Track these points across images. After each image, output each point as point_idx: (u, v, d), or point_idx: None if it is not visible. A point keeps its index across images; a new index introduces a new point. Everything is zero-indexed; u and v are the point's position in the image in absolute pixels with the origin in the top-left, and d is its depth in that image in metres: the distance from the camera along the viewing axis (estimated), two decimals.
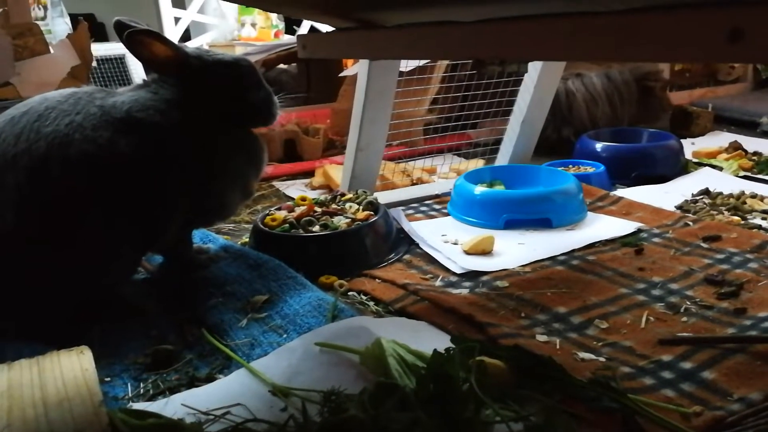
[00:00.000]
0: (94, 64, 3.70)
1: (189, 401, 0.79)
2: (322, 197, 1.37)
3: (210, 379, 0.87)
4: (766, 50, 0.44)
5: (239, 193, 1.13)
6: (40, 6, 3.45)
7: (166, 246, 1.12)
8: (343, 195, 1.35)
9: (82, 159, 0.93)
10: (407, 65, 1.74)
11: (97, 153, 0.94)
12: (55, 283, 0.95)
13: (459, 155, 1.99)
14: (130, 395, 0.84)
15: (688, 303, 1.00)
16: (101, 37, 5.56)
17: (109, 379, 0.87)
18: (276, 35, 4.86)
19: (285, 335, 0.94)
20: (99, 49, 3.62)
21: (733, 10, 0.46)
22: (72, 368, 0.81)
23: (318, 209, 1.28)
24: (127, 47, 1.01)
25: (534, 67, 1.58)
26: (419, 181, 1.75)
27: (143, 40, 1.01)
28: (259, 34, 4.77)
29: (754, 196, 1.49)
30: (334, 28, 1.11)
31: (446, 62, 1.98)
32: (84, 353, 0.85)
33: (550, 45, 0.66)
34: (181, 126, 1.02)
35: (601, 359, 0.86)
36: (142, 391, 0.85)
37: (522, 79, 1.65)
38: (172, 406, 0.79)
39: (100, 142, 0.94)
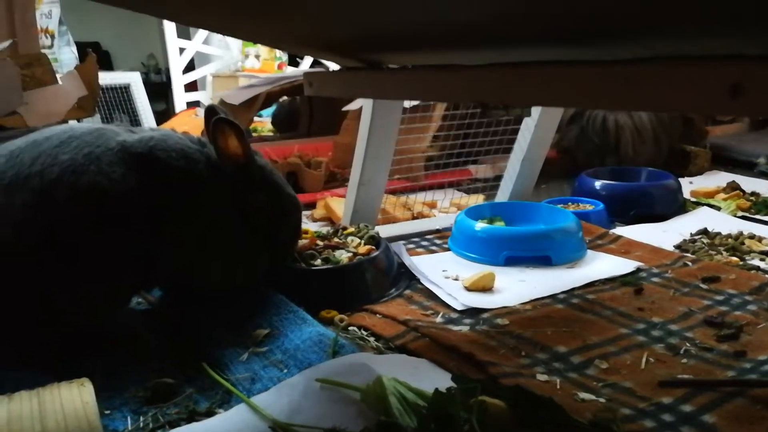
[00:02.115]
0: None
1: None
2: (324, 230, 1.38)
3: (210, 413, 0.87)
4: (765, 105, 0.45)
5: (217, 282, 1.12)
6: (48, 35, 3.50)
7: (165, 280, 1.12)
8: (345, 229, 1.36)
9: (90, 190, 0.94)
10: (411, 102, 1.76)
11: (107, 186, 0.95)
12: (47, 310, 0.95)
13: (460, 190, 2.00)
14: (129, 429, 0.84)
15: (688, 344, 1.01)
16: (106, 65, 5.63)
17: (108, 412, 0.87)
18: (279, 67, 4.91)
19: (286, 370, 0.94)
20: (105, 78, 3.67)
21: (734, 64, 0.47)
22: (72, 401, 0.81)
23: (320, 242, 1.29)
24: (211, 131, 1.06)
25: (535, 107, 1.61)
26: (420, 215, 1.76)
27: (225, 130, 1.05)
28: (262, 65, 4.82)
29: (752, 237, 1.50)
30: (339, 67, 1.13)
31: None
32: (85, 386, 0.85)
33: (555, 91, 0.67)
34: (202, 186, 1.04)
35: (601, 400, 0.86)
36: (141, 425, 0.85)
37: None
38: None
39: (112, 177, 0.96)
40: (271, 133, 3.38)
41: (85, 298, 0.98)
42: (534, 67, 0.69)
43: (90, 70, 1.70)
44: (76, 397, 0.82)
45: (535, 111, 1.60)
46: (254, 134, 3.37)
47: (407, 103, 1.72)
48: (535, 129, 1.62)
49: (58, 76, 1.67)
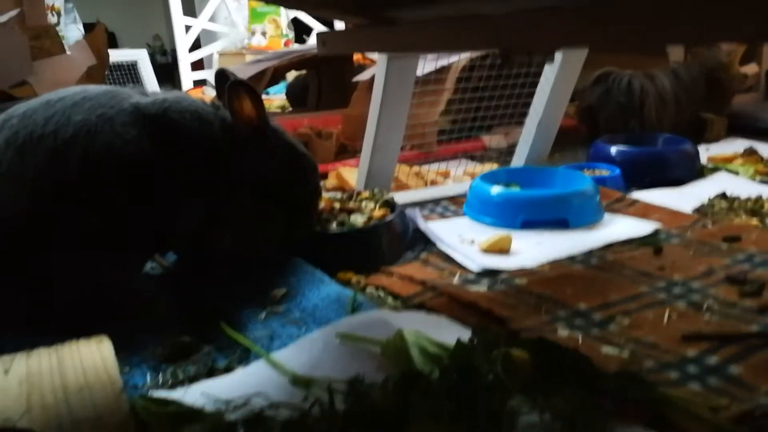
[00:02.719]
0: (106, 71, 3.74)
1: (209, 390, 0.78)
2: (339, 196, 1.36)
3: (229, 370, 0.86)
4: None
5: (234, 244, 1.11)
6: (54, 12, 3.48)
7: (180, 245, 1.11)
8: (359, 194, 1.35)
9: (104, 151, 0.93)
10: (423, 68, 1.74)
11: (120, 148, 0.94)
12: (61, 273, 0.95)
13: (473, 159, 1.99)
14: (149, 384, 0.83)
15: (711, 301, 0.99)
16: (112, 46, 5.60)
17: (127, 369, 0.86)
18: (286, 44, 4.88)
19: (305, 328, 0.93)
20: (111, 56, 3.65)
21: None
22: (92, 356, 0.80)
23: (335, 205, 1.28)
24: (225, 94, 1.05)
25: (551, 69, 1.58)
26: (433, 183, 1.75)
27: (240, 92, 1.04)
28: (269, 42, 4.79)
29: None
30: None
31: (461, 67, 1.98)
32: (103, 342, 0.84)
33: (580, 33, 0.65)
34: (217, 149, 1.03)
35: (625, 354, 0.85)
36: (161, 381, 0.84)
37: (538, 81, 1.65)
38: (191, 396, 0.78)
39: (126, 138, 0.95)
40: (279, 110, 3.36)
41: (99, 261, 0.97)
42: (558, 11, 0.67)
43: (99, 40, 1.68)
44: (95, 352, 0.81)
45: (551, 72, 1.58)
46: None
47: (419, 72, 1.70)
48: (551, 91, 1.60)
49: (66, 47, 1.66)
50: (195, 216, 1.02)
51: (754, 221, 1.35)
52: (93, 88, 1.01)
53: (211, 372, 0.86)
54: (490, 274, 1.13)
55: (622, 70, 2.17)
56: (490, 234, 1.27)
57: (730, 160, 1.84)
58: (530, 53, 0.74)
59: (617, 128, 2.05)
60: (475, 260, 1.17)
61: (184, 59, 4.53)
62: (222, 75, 1.14)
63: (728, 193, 1.53)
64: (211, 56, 4.81)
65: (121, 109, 0.97)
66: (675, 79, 2.16)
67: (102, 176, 0.93)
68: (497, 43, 0.70)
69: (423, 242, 1.29)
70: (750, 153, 1.86)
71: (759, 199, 1.47)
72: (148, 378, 0.85)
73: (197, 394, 0.78)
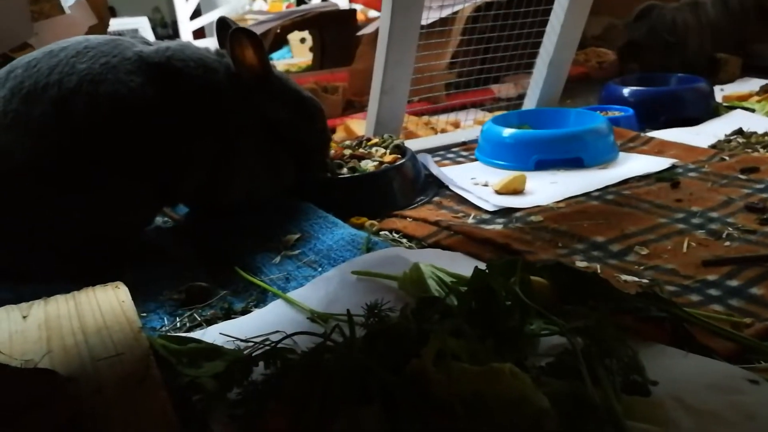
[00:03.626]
0: None
1: (226, 331, 0.78)
2: (348, 142, 1.35)
3: (246, 312, 0.86)
4: None
5: (245, 191, 1.10)
6: None
7: (190, 196, 1.10)
8: (369, 140, 1.33)
9: (110, 98, 0.92)
10: (428, 16, 1.70)
11: (125, 95, 0.93)
12: (66, 222, 0.94)
13: (483, 109, 1.96)
14: (167, 327, 0.83)
15: (730, 229, 0.98)
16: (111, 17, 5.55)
17: (144, 314, 0.86)
18: (288, 8, 4.81)
19: (320, 269, 0.92)
20: (112, 24, 3.61)
21: None
22: (108, 300, 0.80)
23: (346, 152, 1.26)
24: (228, 43, 1.03)
25: (561, 6, 1.55)
26: (444, 131, 1.72)
27: (242, 40, 1.03)
28: (270, 7, 4.73)
29: None
30: None
31: (467, 14, 1.95)
32: (119, 287, 0.84)
33: None
34: (222, 96, 1.02)
35: (645, 281, 0.84)
36: (178, 324, 0.84)
37: (544, 31, 1.61)
38: (209, 336, 0.78)
39: (131, 86, 0.94)
40: None
41: (109, 212, 0.96)
42: None
43: None
44: (112, 297, 0.82)
45: (561, 9, 1.54)
46: None
47: (424, 21, 1.67)
48: (561, 31, 1.56)
49: (65, 6, 1.63)
50: (202, 162, 1.01)
51: None
52: (95, 38, 1.00)
53: (228, 314, 0.86)
54: (504, 213, 1.12)
55: (666, 3, 2.17)
56: (503, 176, 1.25)
57: (745, 98, 1.80)
58: None
59: (659, 66, 2.05)
60: (489, 200, 1.15)
61: (185, 28, 4.49)
62: (223, 23, 1.12)
63: (745, 129, 1.50)
64: (212, 24, 4.75)
65: (124, 58, 0.96)
66: (723, 6, 2.15)
67: (107, 123, 0.92)
68: None
69: (436, 186, 1.28)
70: (765, 90, 1.82)
71: None
72: (166, 321, 0.85)
73: (215, 335, 0.78)
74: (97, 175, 0.94)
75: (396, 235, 1.07)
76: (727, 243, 0.94)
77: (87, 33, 1.55)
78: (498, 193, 1.21)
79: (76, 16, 1.56)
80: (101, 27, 1.64)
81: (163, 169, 0.98)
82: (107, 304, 0.80)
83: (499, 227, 1.06)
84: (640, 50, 2.20)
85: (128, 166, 0.95)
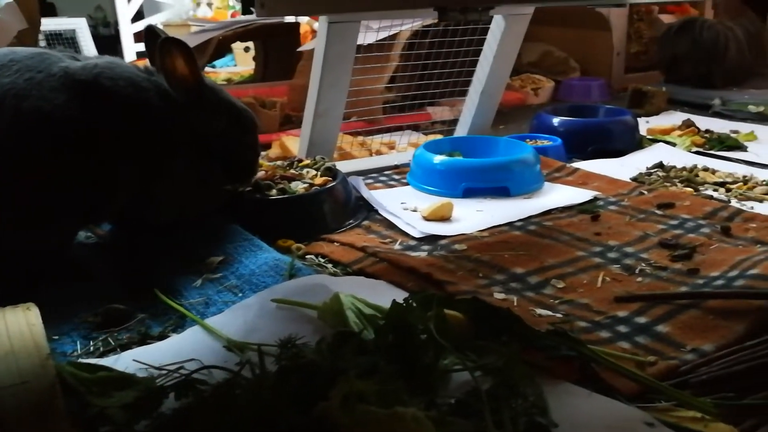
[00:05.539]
0: (44, 42, 3.60)
1: (141, 357, 0.77)
2: (279, 163, 1.34)
3: (163, 337, 0.85)
4: None
5: (176, 209, 1.09)
6: None
7: (116, 214, 1.08)
8: (300, 161, 1.33)
9: (34, 114, 0.90)
10: (365, 38, 1.72)
11: (50, 112, 0.91)
12: None
13: (418, 131, 1.98)
14: (79, 352, 0.81)
15: (643, 264, 1.02)
16: (50, 15, 5.40)
17: (57, 337, 0.84)
18: (233, 16, 4.77)
19: (240, 294, 0.92)
20: (48, 24, 3.52)
21: None
22: (18, 323, 0.78)
23: (277, 173, 1.26)
24: (156, 53, 1.02)
25: (494, 37, 1.58)
26: (378, 153, 1.74)
27: (172, 50, 1.01)
28: (215, 14, 4.68)
29: (706, 169, 1.52)
30: None
31: (404, 40, 1.97)
32: (30, 309, 0.81)
33: None
34: (152, 115, 1.00)
35: (558, 315, 0.87)
36: (91, 348, 0.82)
37: (481, 50, 1.65)
38: (122, 363, 0.76)
39: (55, 103, 0.91)
40: (225, 82, 3.30)
41: (27, 229, 0.94)
42: None
43: (30, 3, 1.61)
44: (22, 319, 0.79)
45: (494, 41, 1.58)
46: None
47: (361, 40, 1.68)
48: (494, 60, 1.60)
49: None
50: (129, 183, 0.99)
51: (688, 190, 1.39)
52: (21, 51, 0.97)
53: (145, 339, 0.84)
54: (431, 239, 1.13)
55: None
56: (432, 201, 1.27)
57: (668, 131, 1.88)
58: (464, 10, 0.73)
59: (702, 73, 2.26)
60: (416, 227, 1.17)
61: (127, 30, 4.40)
62: (152, 32, 1.09)
63: (665, 163, 1.57)
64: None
65: (49, 74, 0.93)
66: (746, 32, 2.37)
67: (29, 139, 0.90)
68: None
69: (366, 210, 1.28)
70: (687, 125, 1.90)
71: (693, 169, 1.51)
72: (79, 346, 0.83)
73: (129, 361, 0.76)
74: (17, 190, 0.91)
75: (322, 260, 1.07)
76: (639, 279, 0.98)
77: (17, 38, 1.50)
78: (426, 219, 1.23)
79: (5, 19, 1.52)
80: (32, 32, 1.60)
81: (86, 188, 0.96)
82: (16, 327, 0.77)
83: (424, 254, 1.07)
84: (681, 61, 2.38)
85: (49, 183, 0.93)
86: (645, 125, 1.97)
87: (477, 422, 0.57)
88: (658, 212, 1.23)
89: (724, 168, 1.53)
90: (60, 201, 0.94)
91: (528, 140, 1.67)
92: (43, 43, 3.42)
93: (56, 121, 0.91)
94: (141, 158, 0.99)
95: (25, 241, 0.94)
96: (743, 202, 1.31)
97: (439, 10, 0.75)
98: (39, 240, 0.96)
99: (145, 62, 1.12)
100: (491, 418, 0.55)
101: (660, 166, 1.56)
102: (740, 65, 2.40)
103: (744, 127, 1.91)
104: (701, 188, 1.41)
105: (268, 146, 1.84)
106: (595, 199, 1.31)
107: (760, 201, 1.32)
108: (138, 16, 4.56)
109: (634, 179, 1.48)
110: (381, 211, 1.26)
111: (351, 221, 1.22)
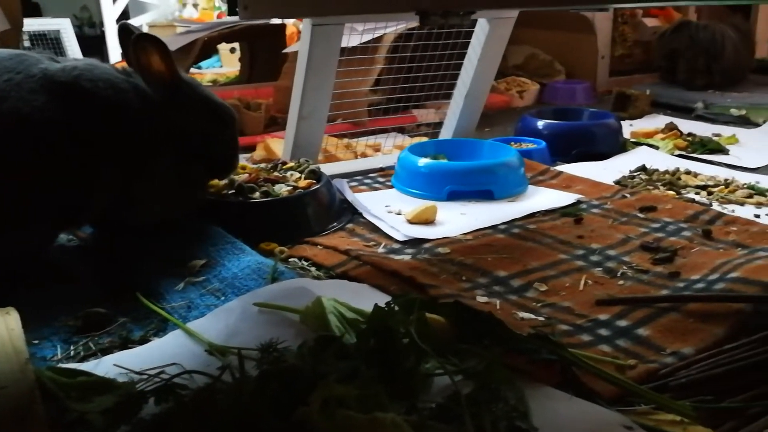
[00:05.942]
0: (27, 43, 3.57)
1: (121, 361, 0.76)
2: (263, 165, 1.34)
3: (144, 341, 0.84)
4: None
5: (158, 210, 1.09)
6: None
7: (97, 216, 1.07)
8: (284, 163, 1.33)
9: (13, 116, 0.89)
10: (349, 40, 1.72)
11: (29, 114, 0.90)
12: None
13: (404, 133, 1.99)
14: (59, 357, 0.81)
15: (625, 268, 1.03)
16: (35, 15, 5.36)
17: (37, 341, 0.83)
18: (219, 17, 4.76)
19: (223, 298, 0.92)
20: (32, 24, 3.49)
21: None
22: None
23: (261, 176, 1.26)
24: (131, 50, 1.00)
25: (478, 40, 1.59)
26: (363, 156, 1.74)
27: (147, 47, 1.00)
28: (201, 14, 4.66)
29: (688, 172, 1.53)
30: None
31: (389, 42, 1.97)
32: (10, 314, 0.81)
33: None
34: (131, 116, 0.99)
35: (541, 318, 0.87)
36: (72, 353, 0.82)
37: (466, 53, 1.65)
38: (103, 367, 0.76)
39: (34, 105, 0.91)
40: (211, 83, 3.29)
41: (8, 231, 0.93)
42: None
43: (12, 3, 1.59)
44: (1, 323, 0.78)
45: (478, 44, 1.59)
46: None
47: (345, 42, 1.68)
48: (478, 63, 1.61)
49: None
50: (109, 184, 0.99)
51: (671, 193, 1.40)
52: (0, 52, 0.97)
53: (126, 343, 0.84)
54: (414, 243, 1.14)
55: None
56: (417, 204, 1.28)
57: (651, 135, 1.90)
58: (446, 14, 0.74)
59: (699, 72, 2.32)
60: (400, 230, 1.17)
61: (112, 31, 4.37)
62: (125, 29, 1.08)
63: (648, 166, 1.58)
64: (140, 28, 4.65)
65: (28, 75, 0.93)
66: (737, 31, 2.45)
67: (8, 141, 0.89)
68: (413, 3, 0.69)
69: (350, 212, 1.28)
70: (670, 129, 1.92)
71: (676, 172, 1.53)
72: (59, 350, 0.82)
73: (110, 365, 0.76)
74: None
75: (305, 263, 1.07)
76: (621, 282, 0.98)
77: None
78: (410, 222, 1.23)
79: None
80: (14, 33, 1.59)
81: (66, 190, 0.95)
82: None
83: (407, 258, 1.07)
84: (679, 57, 2.44)
85: (29, 185, 0.92)
86: (629, 128, 1.99)
87: (458, 427, 0.58)
88: (641, 215, 1.24)
89: (706, 171, 1.54)
90: (40, 203, 0.93)
91: (512, 143, 1.68)
92: (27, 44, 3.40)
93: (35, 122, 0.91)
94: (121, 159, 0.99)
95: (5, 244, 0.93)
96: (724, 206, 1.32)
97: (420, 15, 0.75)
98: (19, 242, 0.95)
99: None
100: (471, 423, 0.55)
101: (643, 169, 1.57)
102: (737, 63, 2.45)
103: (726, 131, 1.94)
104: (683, 191, 1.42)
105: (252, 148, 1.83)
106: (579, 202, 1.32)
107: (741, 204, 1.33)
108: (123, 16, 4.53)
109: (617, 182, 1.49)
110: (365, 214, 1.26)
111: (335, 224, 1.22)
